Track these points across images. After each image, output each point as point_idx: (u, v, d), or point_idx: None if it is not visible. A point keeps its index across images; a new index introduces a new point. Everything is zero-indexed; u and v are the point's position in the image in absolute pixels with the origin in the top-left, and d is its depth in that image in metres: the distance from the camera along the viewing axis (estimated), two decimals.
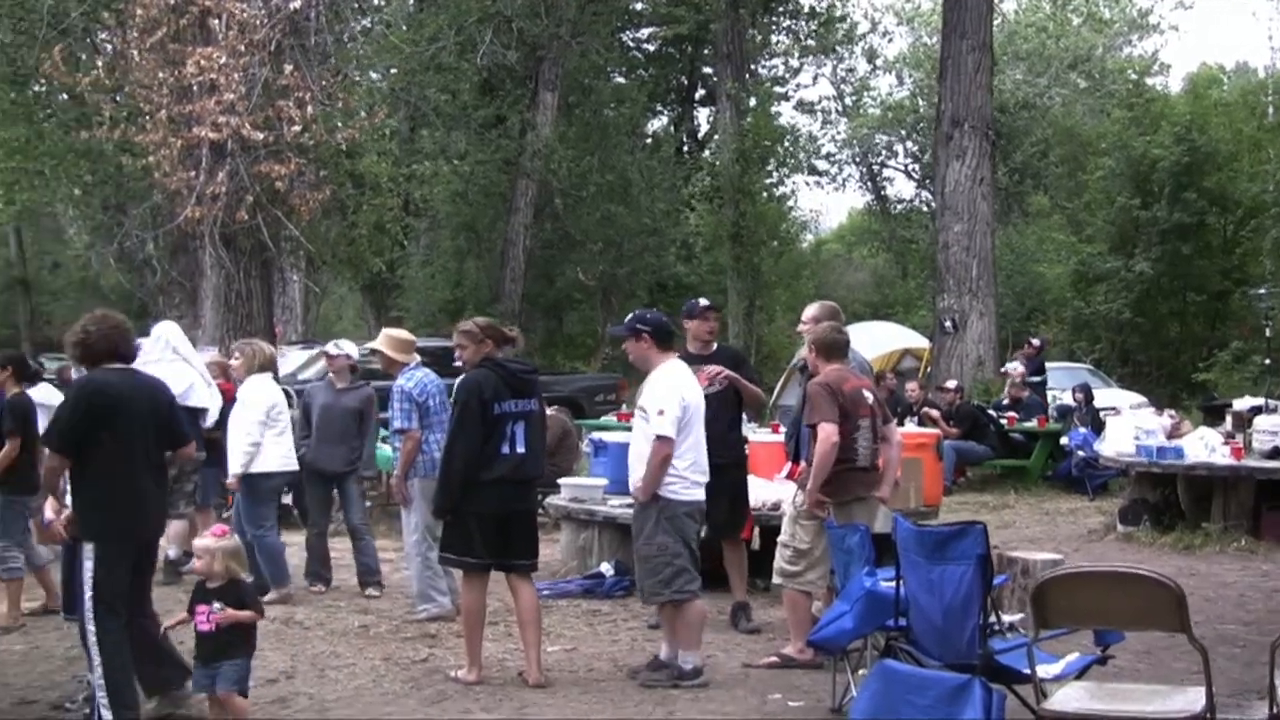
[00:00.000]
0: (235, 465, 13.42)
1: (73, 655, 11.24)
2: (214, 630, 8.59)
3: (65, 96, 28.89)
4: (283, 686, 10.42)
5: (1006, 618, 8.97)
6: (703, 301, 12.62)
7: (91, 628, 9.00)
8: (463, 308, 37.99)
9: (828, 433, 10.39)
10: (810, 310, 11.95)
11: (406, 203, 30.67)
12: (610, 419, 22.77)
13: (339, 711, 9.66)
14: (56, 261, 50.22)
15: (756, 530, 13.65)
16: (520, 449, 10.36)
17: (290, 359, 24.69)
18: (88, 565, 9.04)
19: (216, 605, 8.58)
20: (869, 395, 10.81)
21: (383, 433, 16.20)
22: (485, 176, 37.31)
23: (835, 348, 10.94)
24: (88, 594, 9.03)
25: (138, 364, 10.38)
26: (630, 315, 10.99)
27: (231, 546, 8.77)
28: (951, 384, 25.19)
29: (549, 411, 12.67)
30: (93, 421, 9.06)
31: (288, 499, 18.75)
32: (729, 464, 11.78)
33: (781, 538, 11.09)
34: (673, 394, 10.22)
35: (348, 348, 14.48)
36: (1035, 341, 29.11)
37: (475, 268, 40.15)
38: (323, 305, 42.76)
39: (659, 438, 10.08)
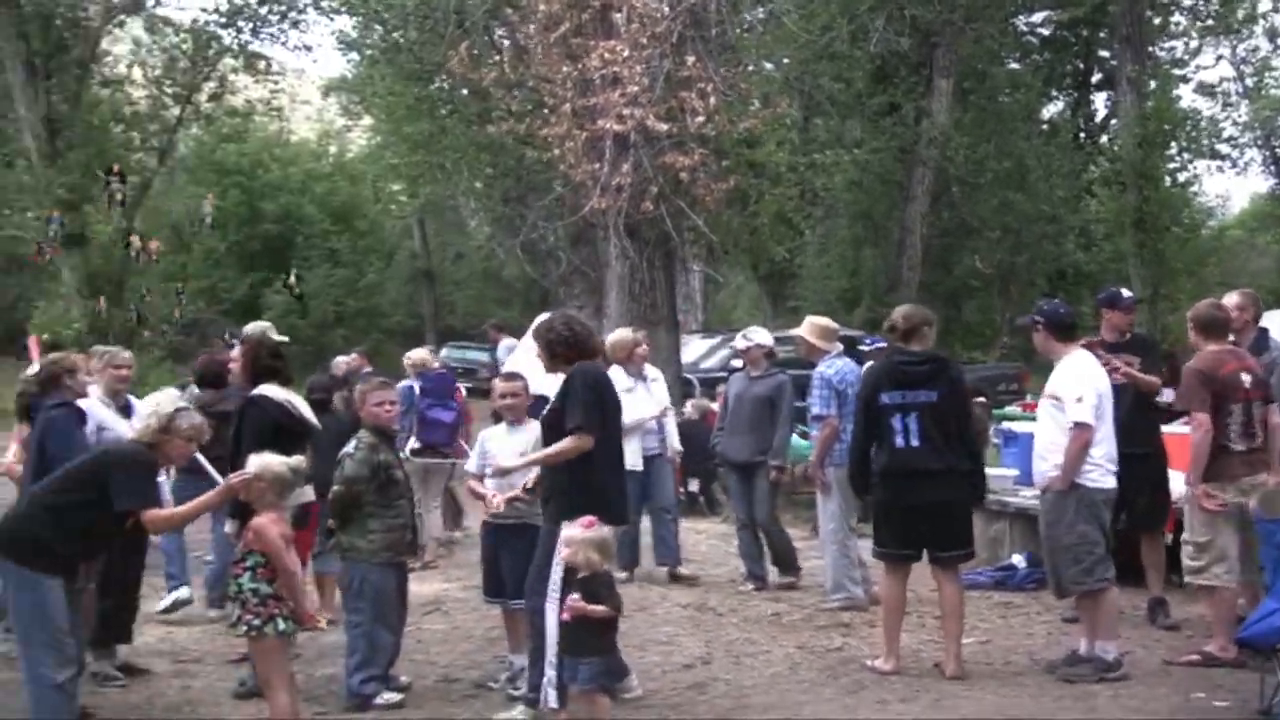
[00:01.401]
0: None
1: (493, 636, 11.52)
2: (572, 622, 8.64)
3: (466, 92, 29.57)
4: (699, 672, 10.49)
5: None
6: (1126, 293, 12.33)
7: (553, 607, 9.16)
8: (859, 297, 37.87)
9: (1199, 421, 10.23)
10: (1231, 299, 11.58)
11: (802, 191, 30.58)
12: (1014, 409, 22.39)
13: (756, 698, 9.67)
14: (459, 252, 51.44)
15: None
16: (914, 441, 10.27)
17: (691, 348, 24.94)
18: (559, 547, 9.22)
19: (574, 596, 8.63)
20: (1247, 378, 10.48)
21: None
22: (881, 165, 37.05)
23: (1214, 325, 10.71)
24: (555, 574, 9.17)
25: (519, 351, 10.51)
26: (1035, 306, 10.85)
27: (597, 538, 8.67)
28: None
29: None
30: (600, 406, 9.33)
31: (693, 486, 18.95)
32: (1148, 454, 11.50)
33: (1184, 533, 10.78)
34: (1085, 382, 10.04)
35: (757, 336, 14.44)
36: None
37: (871, 256, 39.88)
38: (720, 295, 43.03)
39: (1077, 424, 9.90)
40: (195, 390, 13.35)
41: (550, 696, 9.09)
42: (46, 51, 34.00)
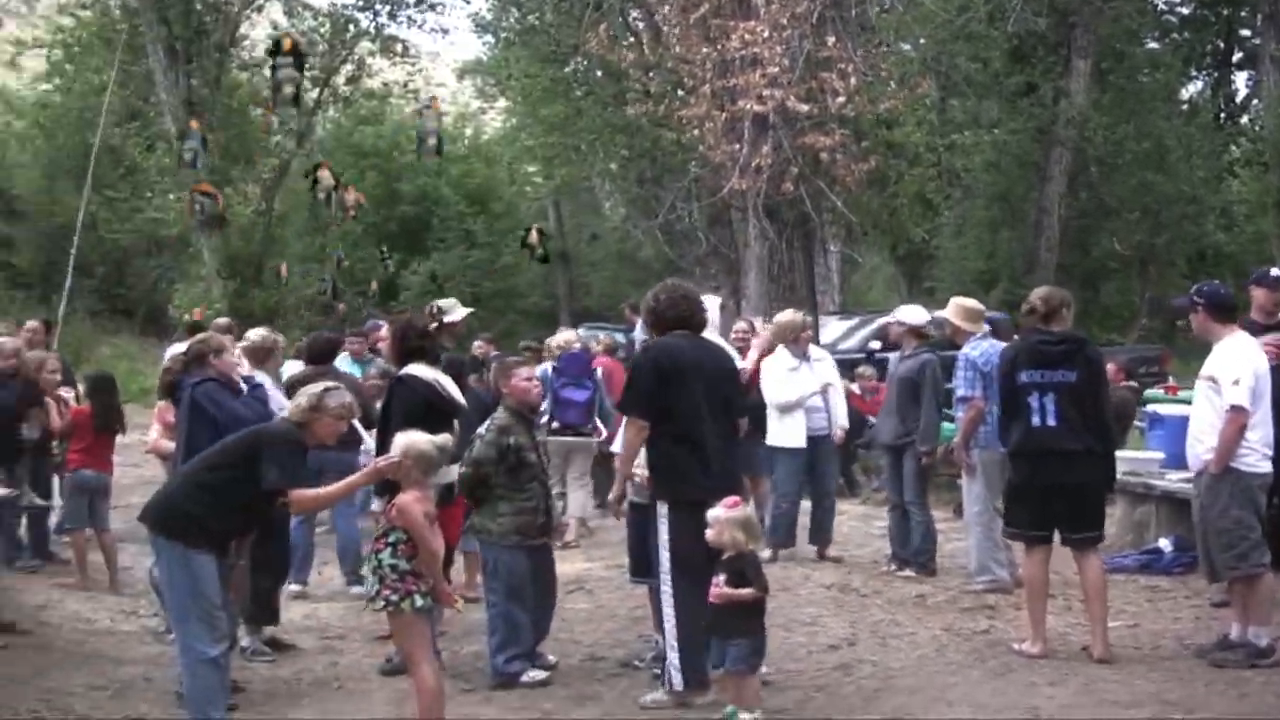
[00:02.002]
0: None
1: (637, 615, 11.55)
2: (719, 604, 8.65)
3: (601, 74, 29.64)
4: (845, 653, 10.48)
5: None
6: (1274, 271, 12.10)
7: (667, 589, 9.21)
8: (996, 278, 37.54)
9: None
10: None
11: (940, 172, 30.38)
12: (1156, 391, 22.12)
13: (903, 680, 9.65)
14: (594, 234, 51.45)
15: None
16: (1051, 421, 10.20)
17: (829, 329, 24.83)
18: (662, 528, 9.26)
19: (720, 578, 8.64)
20: None
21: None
22: (1018, 145, 36.73)
23: None
24: (664, 556, 9.24)
25: None
26: (1193, 287, 10.71)
27: (742, 517, 8.72)
28: None
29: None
30: (662, 384, 9.31)
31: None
32: None
33: None
34: (1244, 365, 9.91)
35: (903, 314, 14.33)
36: None
37: (1008, 237, 39.55)
38: (855, 276, 42.83)
39: (1233, 408, 9.78)
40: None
41: (675, 679, 9.14)
42: (187, 36, 34.42)
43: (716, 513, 8.65)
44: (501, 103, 46.24)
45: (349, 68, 38.49)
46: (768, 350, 13.17)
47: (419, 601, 8.43)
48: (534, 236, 24.17)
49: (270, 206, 35.03)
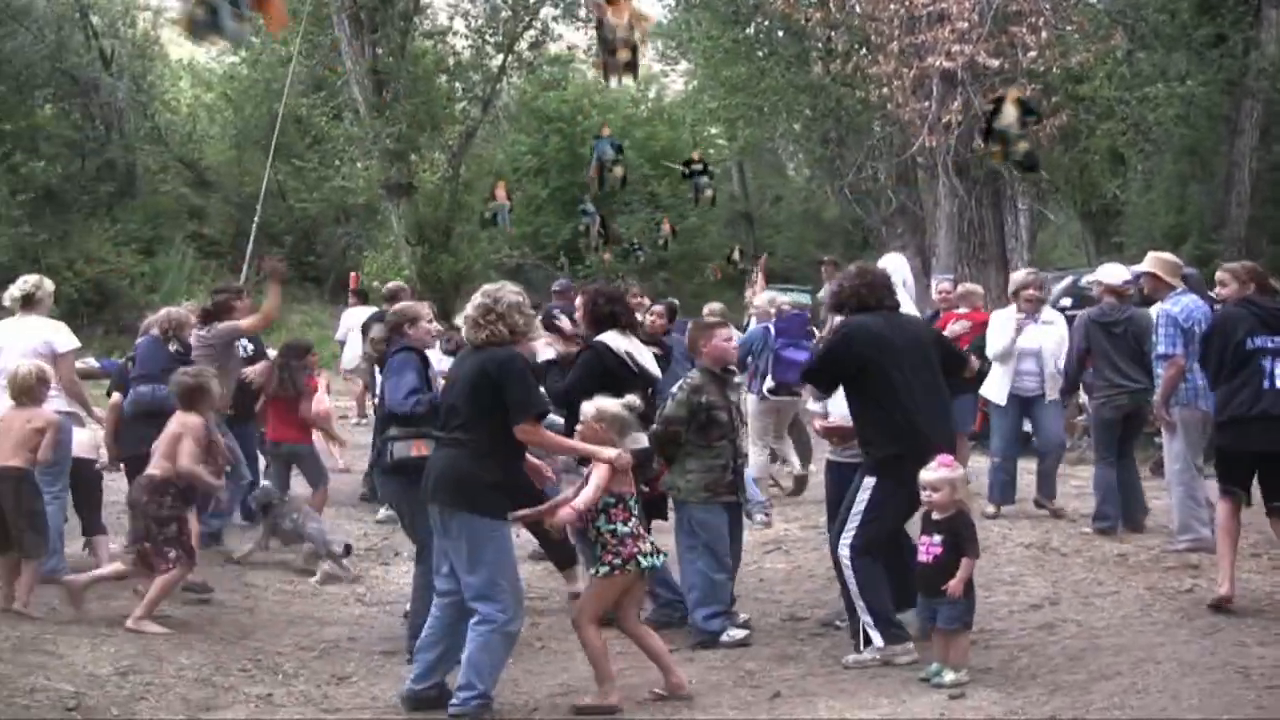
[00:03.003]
0: None
1: (834, 574, 11.55)
2: (931, 563, 8.62)
3: (783, 34, 29.52)
4: (1047, 613, 10.38)
5: None
6: None
7: (847, 551, 9.23)
8: (1186, 234, 36.86)
9: None
10: None
11: (1132, 126, 29.87)
12: None
13: (1108, 639, 9.51)
14: (778, 195, 51.42)
15: None
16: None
17: None
18: (862, 496, 9.28)
19: (936, 538, 8.61)
20: None
21: None
22: (1208, 98, 36.00)
23: None
24: (855, 519, 9.25)
25: None
26: None
27: (957, 477, 8.70)
28: None
29: None
30: (854, 357, 9.44)
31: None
32: None
33: None
34: None
35: (1101, 273, 14.17)
36: None
37: (1198, 192, 38.80)
38: (1041, 234, 42.34)
39: None
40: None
41: (875, 637, 9.14)
42: (371, 5, 34.62)
43: (941, 474, 8.62)
44: (683, 65, 46.23)
45: (532, 33, 38.59)
46: None
47: (644, 561, 8.50)
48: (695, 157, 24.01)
49: (457, 173, 35.26)
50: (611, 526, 8.48)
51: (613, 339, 10.73)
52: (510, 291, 8.76)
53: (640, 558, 8.48)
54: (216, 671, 9.16)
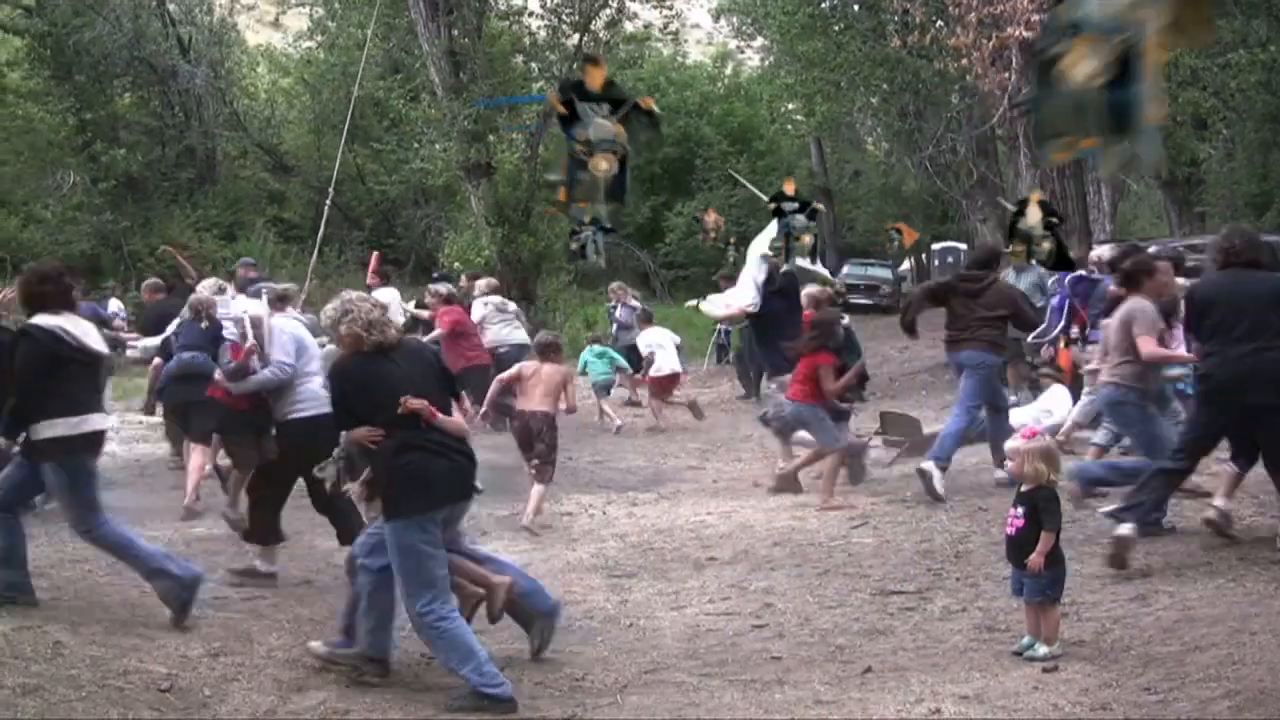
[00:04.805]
0: None
1: (922, 549, 11.52)
2: (1016, 535, 8.60)
3: (859, 8, 29.39)
4: (1140, 585, 10.26)
5: None
6: None
7: None
8: (1270, 201, 36.53)
9: None
10: None
11: (1215, 93, 29.60)
12: None
13: (1203, 610, 9.37)
14: (857, 170, 51.32)
15: None
16: None
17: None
18: None
19: (1019, 509, 8.58)
20: None
21: None
22: None
23: None
24: None
25: None
26: None
27: (1042, 448, 8.65)
28: None
29: None
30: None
31: None
32: None
33: None
34: None
35: None
36: None
37: None
38: (1122, 204, 42.02)
39: None
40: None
41: None
42: None
43: (1017, 444, 8.57)
44: (759, 41, 46.13)
45: (608, 11, 38.54)
46: None
47: None
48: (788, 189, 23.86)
49: (535, 154, 35.26)
50: None
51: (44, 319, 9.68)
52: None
53: None
54: (306, 653, 9.19)
